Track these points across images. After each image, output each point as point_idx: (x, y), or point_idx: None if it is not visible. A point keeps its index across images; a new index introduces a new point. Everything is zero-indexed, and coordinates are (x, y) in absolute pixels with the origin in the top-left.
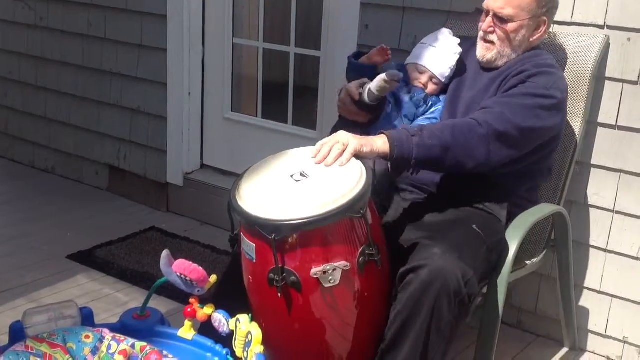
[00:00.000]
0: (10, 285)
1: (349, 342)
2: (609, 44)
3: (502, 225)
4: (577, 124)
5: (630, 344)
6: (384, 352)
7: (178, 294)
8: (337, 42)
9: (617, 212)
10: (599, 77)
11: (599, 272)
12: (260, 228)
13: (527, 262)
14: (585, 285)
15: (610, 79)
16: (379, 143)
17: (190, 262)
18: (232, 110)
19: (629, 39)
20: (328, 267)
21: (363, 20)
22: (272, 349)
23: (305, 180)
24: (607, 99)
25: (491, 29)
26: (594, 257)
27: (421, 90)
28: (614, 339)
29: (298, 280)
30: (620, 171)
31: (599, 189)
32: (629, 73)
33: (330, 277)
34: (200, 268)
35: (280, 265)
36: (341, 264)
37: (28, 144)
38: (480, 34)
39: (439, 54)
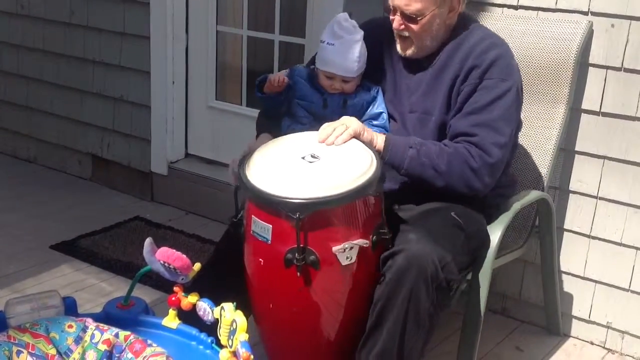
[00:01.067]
0: None
1: (348, 320)
2: (593, 30)
3: (486, 216)
4: (560, 110)
5: (614, 329)
6: (365, 339)
7: (162, 283)
8: (321, 30)
9: (601, 199)
10: (582, 63)
11: (583, 258)
12: (283, 208)
13: (511, 248)
14: (569, 271)
15: (594, 65)
16: (379, 140)
17: (174, 250)
18: (216, 99)
19: (612, 25)
20: (347, 245)
21: (347, 7)
22: (274, 330)
23: (318, 162)
24: (591, 85)
25: (402, 27)
26: (578, 243)
27: (336, 96)
28: (598, 324)
29: (317, 259)
30: (604, 157)
31: (583, 176)
32: (613, 59)
33: (348, 255)
34: (184, 256)
35: (301, 245)
36: (360, 241)
37: (10, 133)
38: (395, 30)
39: (338, 51)
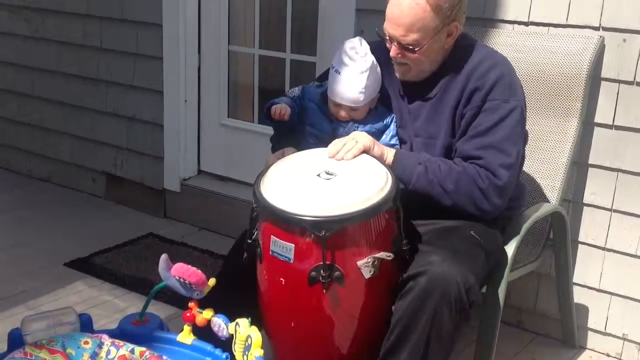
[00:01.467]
0: (8, 293)
1: (367, 334)
2: (604, 45)
3: (499, 229)
4: (573, 124)
5: (630, 341)
6: (385, 358)
7: (177, 299)
8: (332, 48)
9: (615, 211)
10: (594, 78)
11: (598, 270)
12: (307, 226)
13: (526, 261)
14: (584, 283)
15: (606, 79)
16: (389, 155)
17: (189, 266)
18: (228, 117)
19: (624, 40)
20: (370, 259)
21: (358, 26)
22: (293, 347)
23: (334, 179)
24: (604, 99)
25: (400, 55)
26: (593, 255)
27: (345, 124)
28: (614, 336)
29: (342, 274)
30: (618, 170)
31: (597, 188)
32: (625, 73)
33: (372, 269)
34: (199, 271)
35: (327, 262)
36: (383, 254)
37: (25, 153)
38: (392, 58)
39: (345, 81)
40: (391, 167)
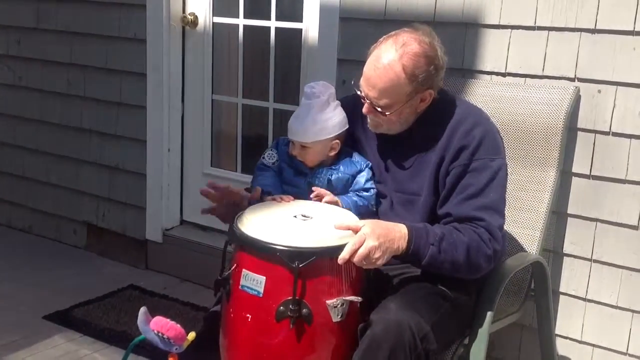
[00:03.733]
0: None
1: None
2: (580, 95)
3: (479, 280)
4: (551, 173)
5: None
6: None
7: (157, 354)
8: None
9: (595, 261)
10: (571, 128)
11: (580, 321)
12: (281, 256)
13: (508, 312)
14: (566, 335)
15: (582, 129)
16: (403, 242)
17: (168, 320)
18: (211, 166)
19: (599, 91)
20: (339, 301)
21: (340, 76)
22: None
23: (310, 220)
24: (581, 149)
25: (371, 113)
26: (574, 306)
27: (319, 175)
28: None
29: (310, 312)
30: (597, 220)
31: (576, 238)
32: (601, 124)
33: (340, 312)
34: (178, 325)
35: (297, 297)
36: (353, 297)
37: (5, 203)
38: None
39: (296, 117)
40: (405, 250)
